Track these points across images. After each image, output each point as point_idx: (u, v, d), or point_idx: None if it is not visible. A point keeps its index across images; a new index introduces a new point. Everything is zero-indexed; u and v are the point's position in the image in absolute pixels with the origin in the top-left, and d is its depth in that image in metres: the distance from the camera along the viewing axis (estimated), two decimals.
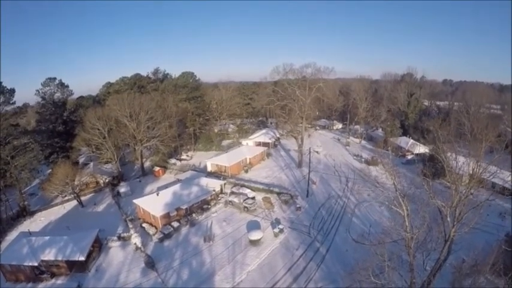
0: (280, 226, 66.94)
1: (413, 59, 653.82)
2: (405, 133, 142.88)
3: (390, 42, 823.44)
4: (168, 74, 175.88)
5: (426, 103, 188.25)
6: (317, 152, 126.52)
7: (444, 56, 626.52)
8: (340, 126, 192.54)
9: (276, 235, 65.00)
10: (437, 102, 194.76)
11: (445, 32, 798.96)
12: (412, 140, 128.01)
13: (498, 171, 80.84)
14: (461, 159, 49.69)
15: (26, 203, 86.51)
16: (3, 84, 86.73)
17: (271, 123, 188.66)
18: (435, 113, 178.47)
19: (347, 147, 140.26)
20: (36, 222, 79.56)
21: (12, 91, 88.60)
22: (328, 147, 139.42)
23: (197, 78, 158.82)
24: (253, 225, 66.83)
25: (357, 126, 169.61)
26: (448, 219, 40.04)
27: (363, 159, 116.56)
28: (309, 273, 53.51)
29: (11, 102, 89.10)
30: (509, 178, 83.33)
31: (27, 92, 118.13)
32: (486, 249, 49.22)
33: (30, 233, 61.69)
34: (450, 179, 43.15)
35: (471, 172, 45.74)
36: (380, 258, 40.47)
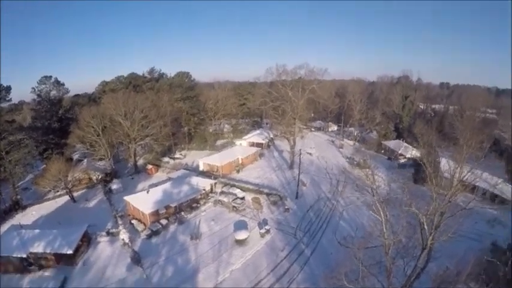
0: (267, 227, 67.79)
1: (411, 61, 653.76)
2: (399, 136, 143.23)
3: (388, 43, 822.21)
4: (163, 73, 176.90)
5: (422, 106, 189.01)
6: (310, 153, 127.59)
7: (442, 58, 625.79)
8: (335, 128, 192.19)
9: (262, 235, 65.86)
10: (433, 106, 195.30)
11: (443, 33, 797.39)
12: (405, 144, 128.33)
13: (489, 178, 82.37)
14: (451, 164, 50.60)
15: (18, 197, 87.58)
16: (0, 81, 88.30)
17: (266, 123, 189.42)
18: (430, 116, 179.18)
19: (340, 149, 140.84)
20: (27, 216, 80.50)
21: (8, 88, 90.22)
22: (321, 148, 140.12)
23: (192, 78, 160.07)
24: (241, 225, 67.65)
25: (352, 129, 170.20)
26: (426, 227, 40.63)
27: (355, 162, 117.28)
28: (292, 274, 54.26)
29: (7, 99, 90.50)
30: (501, 185, 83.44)
31: (23, 90, 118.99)
32: (470, 257, 50.19)
33: (21, 226, 63.00)
34: (431, 186, 43.49)
35: (453, 178, 46.49)
36: (356, 262, 41.22)
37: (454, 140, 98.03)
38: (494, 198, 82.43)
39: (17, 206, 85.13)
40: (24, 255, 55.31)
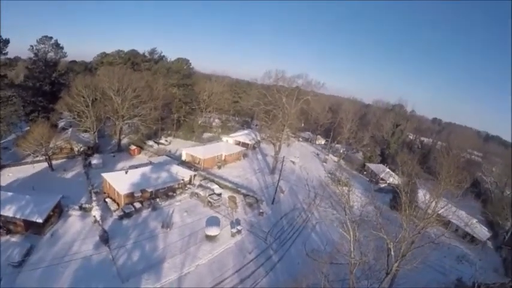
0: (239, 227, 68.35)
1: (409, 92, 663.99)
2: (383, 161, 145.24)
3: (390, 70, 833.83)
4: (164, 56, 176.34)
5: (411, 136, 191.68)
6: (293, 162, 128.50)
7: (440, 95, 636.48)
8: (322, 141, 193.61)
9: (232, 235, 66.39)
10: (422, 138, 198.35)
11: (446, 72, 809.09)
12: (388, 169, 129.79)
13: (464, 216, 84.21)
14: (427, 197, 51.48)
15: None
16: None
17: (255, 125, 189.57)
18: (417, 148, 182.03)
19: (324, 163, 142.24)
20: (3, 177, 79.01)
21: (6, 41, 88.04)
22: (305, 159, 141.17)
23: (191, 66, 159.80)
24: (213, 221, 67.20)
25: (339, 145, 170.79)
26: (392, 253, 41.35)
27: (336, 178, 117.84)
28: (257, 278, 54.82)
29: (3, 52, 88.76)
30: (475, 224, 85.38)
31: (22, 45, 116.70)
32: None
33: None
34: (403, 215, 44.17)
35: (427, 211, 47.37)
36: (320, 276, 41.78)
37: (436, 175, 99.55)
38: (465, 236, 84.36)
39: None
40: None
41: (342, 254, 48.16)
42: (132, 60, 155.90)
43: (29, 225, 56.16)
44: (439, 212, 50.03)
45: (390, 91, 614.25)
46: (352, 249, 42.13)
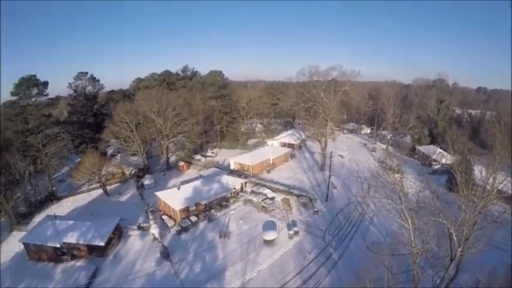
0: (296, 228, 67.09)
1: (448, 65, 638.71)
2: (433, 141, 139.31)
3: (424, 46, 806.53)
4: (196, 71, 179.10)
5: (458, 111, 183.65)
6: (341, 156, 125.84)
7: (480, 63, 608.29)
8: (368, 130, 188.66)
9: (290, 237, 65.32)
10: (469, 111, 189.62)
11: (482, 36, 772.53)
12: (439, 149, 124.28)
13: None
14: (484, 173, 48.48)
15: (54, 188, 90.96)
16: (37, 76, 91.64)
17: (298, 124, 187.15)
18: (466, 122, 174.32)
19: (373, 152, 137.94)
20: (62, 207, 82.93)
21: (45, 84, 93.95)
22: (353, 151, 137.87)
23: (225, 76, 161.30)
24: (269, 226, 66.61)
25: (385, 132, 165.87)
26: (454, 238, 39.25)
27: (387, 167, 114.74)
28: (319, 278, 53.60)
29: (44, 93, 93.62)
30: None
31: (60, 84, 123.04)
32: (501, 269, 48.31)
33: (55, 217, 64.92)
34: (461, 196, 41.79)
35: (485, 189, 44.33)
36: (383, 269, 40.41)
37: (490, 148, 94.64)
38: None
39: (52, 197, 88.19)
40: (58, 245, 57.19)
41: (403, 244, 46.19)
42: (167, 81, 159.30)
43: (92, 249, 58.34)
44: (499, 188, 47.07)
45: (428, 67, 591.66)
46: (412, 238, 40.23)
